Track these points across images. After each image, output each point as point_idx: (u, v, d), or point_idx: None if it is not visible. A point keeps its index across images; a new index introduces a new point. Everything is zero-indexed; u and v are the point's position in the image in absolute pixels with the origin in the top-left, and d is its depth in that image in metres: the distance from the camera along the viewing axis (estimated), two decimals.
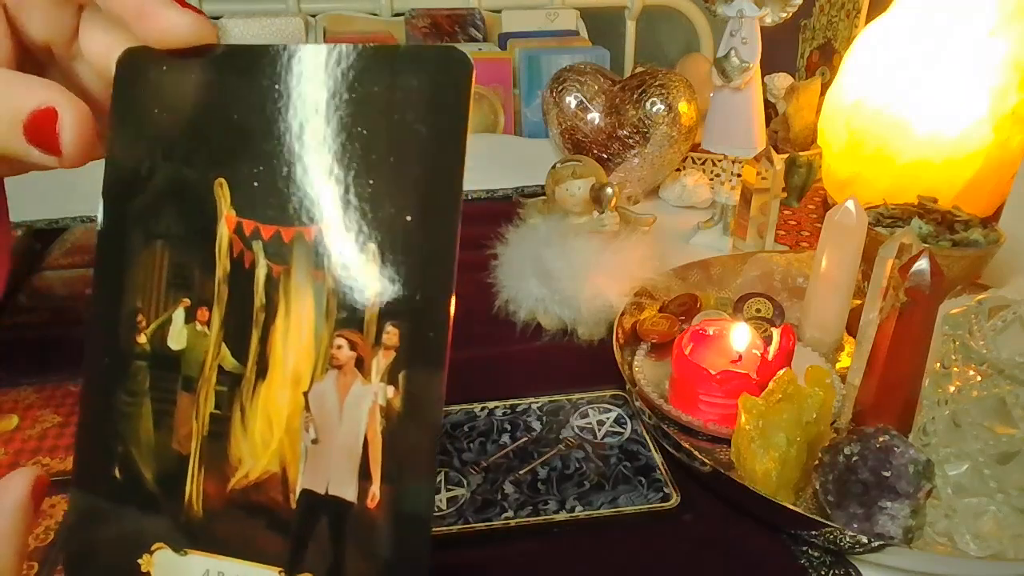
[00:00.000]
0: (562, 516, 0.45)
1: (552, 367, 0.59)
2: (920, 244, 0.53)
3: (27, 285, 0.69)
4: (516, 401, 0.54)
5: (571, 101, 0.88)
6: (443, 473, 0.48)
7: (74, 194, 0.86)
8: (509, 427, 0.52)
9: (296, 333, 0.24)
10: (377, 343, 0.23)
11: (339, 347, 0.24)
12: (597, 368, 0.58)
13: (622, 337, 0.58)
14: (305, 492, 0.24)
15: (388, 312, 0.23)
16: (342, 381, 0.24)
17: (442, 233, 0.23)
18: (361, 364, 0.24)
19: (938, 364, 0.45)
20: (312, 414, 0.24)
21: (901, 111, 0.72)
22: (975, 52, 0.69)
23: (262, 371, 0.25)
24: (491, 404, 0.54)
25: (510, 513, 0.45)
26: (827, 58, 1.16)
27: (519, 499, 0.46)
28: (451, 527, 0.44)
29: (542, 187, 0.74)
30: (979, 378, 0.43)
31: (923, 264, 0.45)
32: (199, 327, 0.25)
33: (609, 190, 0.67)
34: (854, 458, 0.42)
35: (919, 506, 0.41)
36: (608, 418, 0.53)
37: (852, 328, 0.59)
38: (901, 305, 0.46)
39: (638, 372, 0.56)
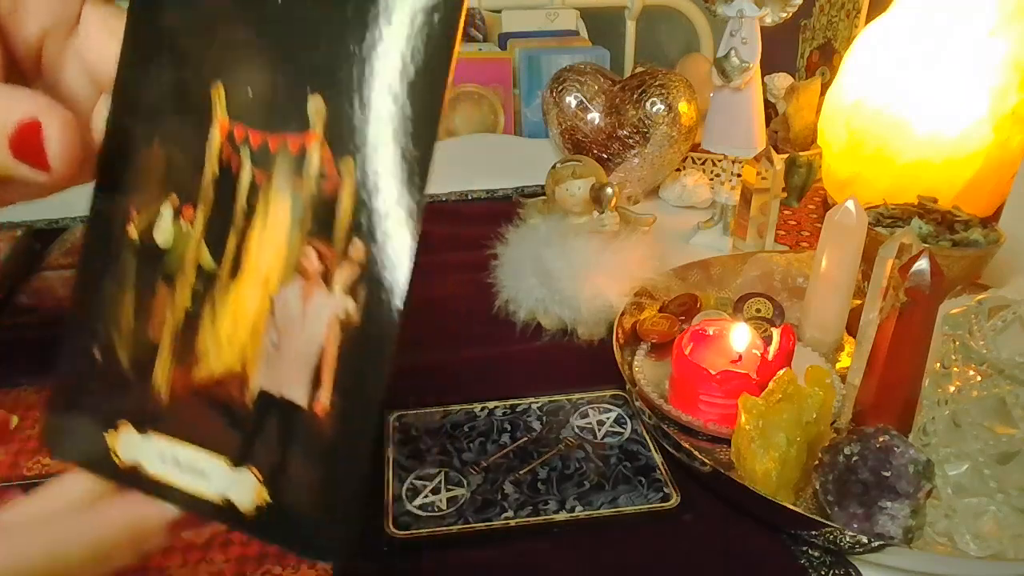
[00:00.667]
0: (562, 516, 0.45)
1: (552, 367, 0.59)
2: (920, 244, 0.53)
3: (27, 285, 0.69)
4: (516, 401, 0.54)
5: (571, 101, 0.88)
6: (443, 473, 0.48)
7: (74, 194, 0.86)
8: (509, 427, 0.52)
9: (271, 239, 0.25)
10: (344, 255, 0.24)
11: (308, 256, 0.25)
12: (597, 368, 0.58)
13: (622, 337, 0.58)
14: (262, 392, 0.25)
15: (357, 225, 0.24)
16: (307, 289, 0.25)
17: (421, 148, 0.24)
18: (327, 276, 0.24)
19: (938, 364, 0.45)
20: (276, 318, 0.25)
21: (901, 111, 0.72)
22: (975, 52, 0.69)
23: (235, 273, 0.25)
24: (491, 404, 0.54)
25: (510, 513, 0.45)
26: (827, 58, 1.16)
27: (519, 499, 0.46)
28: (451, 527, 0.44)
29: (542, 187, 0.74)
30: (979, 378, 0.43)
31: (923, 264, 0.45)
32: (184, 225, 0.26)
33: (609, 190, 0.67)
34: (854, 458, 0.42)
35: (919, 506, 0.41)
36: (608, 418, 0.53)
37: (852, 328, 0.59)
38: (901, 305, 0.46)
39: (638, 372, 0.56)
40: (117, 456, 0.26)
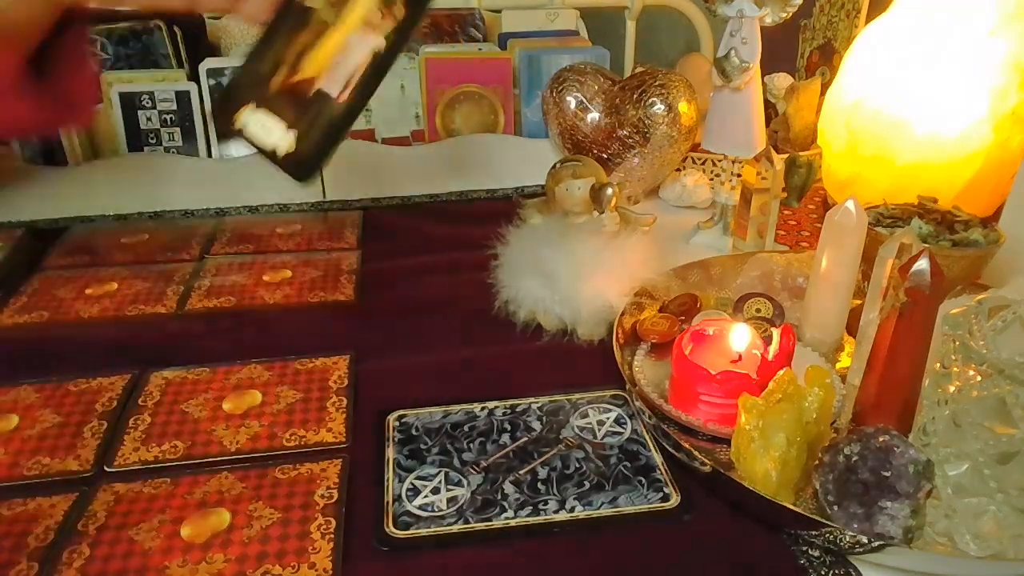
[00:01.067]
0: (562, 516, 0.45)
1: (552, 367, 0.59)
2: (920, 244, 0.53)
3: (27, 285, 0.69)
4: (516, 401, 0.54)
5: (571, 101, 0.88)
6: (443, 473, 0.48)
7: (74, 194, 0.86)
8: (509, 427, 0.52)
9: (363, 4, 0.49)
10: (390, 13, 0.49)
11: (376, 13, 0.49)
12: (597, 368, 0.58)
13: (622, 337, 0.58)
14: (318, 90, 0.50)
15: None
16: (367, 33, 0.49)
17: None
18: (380, 26, 0.49)
19: (938, 364, 0.45)
20: (345, 48, 0.49)
21: (901, 111, 0.72)
22: (975, 52, 0.69)
23: (337, 23, 0.49)
24: (491, 404, 0.54)
25: (510, 513, 0.45)
26: (827, 58, 1.16)
27: (519, 499, 0.46)
28: (451, 527, 0.44)
29: (542, 187, 0.74)
30: (979, 378, 0.43)
31: (923, 264, 0.45)
32: None
33: (609, 190, 0.67)
34: (854, 458, 0.42)
35: (919, 506, 0.41)
36: (608, 418, 0.53)
37: (852, 328, 0.59)
38: (901, 305, 0.46)
39: (638, 372, 0.56)
40: (236, 120, 0.50)
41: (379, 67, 0.49)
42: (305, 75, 0.49)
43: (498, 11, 1.19)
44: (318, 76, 0.49)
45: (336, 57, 0.48)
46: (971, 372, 0.43)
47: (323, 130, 0.50)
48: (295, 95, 0.49)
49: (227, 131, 0.50)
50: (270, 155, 0.50)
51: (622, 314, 0.59)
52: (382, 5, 0.48)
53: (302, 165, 0.50)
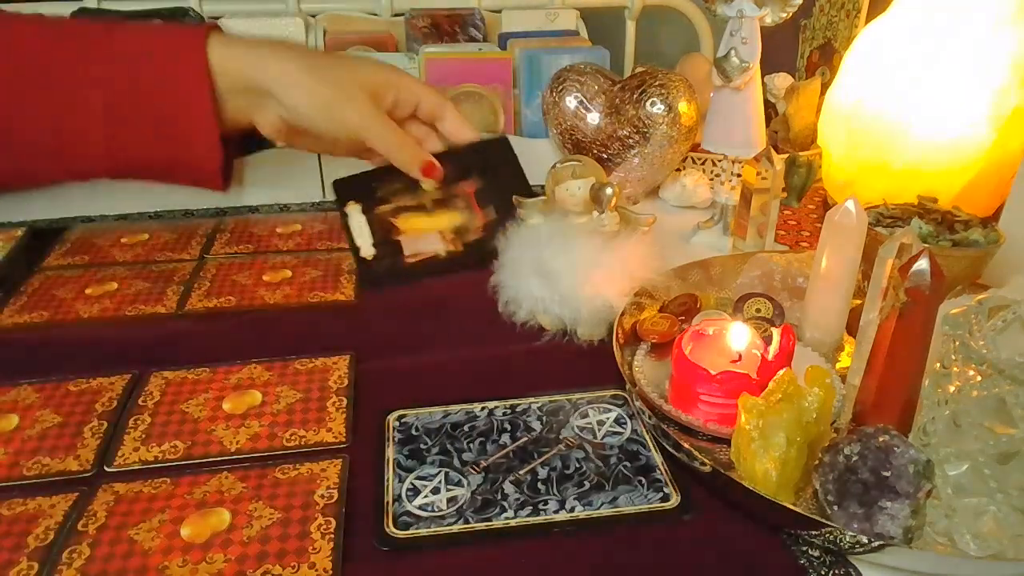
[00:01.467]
0: (562, 516, 0.45)
1: (552, 367, 0.59)
2: (920, 244, 0.53)
3: (27, 285, 0.69)
4: (516, 401, 0.54)
5: (571, 101, 0.88)
6: (443, 473, 0.48)
7: (74, 194, 0.86)
8: (509, 427, 0.52)
9: (449, 217, 0.67)
10: (454, 240, 0.66)
11: (446, 229, 0.67)
12: (597, 368, 0.58)
13: (622, 337, 0.58)
14: (399, 241, 0.66)
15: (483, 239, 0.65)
16: (439, 241, 0.67)
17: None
18: (445, 234, 0.67)
19: (938, 364, 0.45)
20: (427, 234, 0.67)
21: (901, 111, 0.72)
22: (975, 52, 0.69)
23: (433, 214, 0.66)
24: (491, 404, 0.54)
25: (510, 513, 0.45)
26: (827, 58, 1.16)
27: (519, 499, 0.46)
28: (451, 527, 0.44)
29: (542, 187, 0.74)
30: (979, 378, 0.43)
31: (923, 264, 0.45)
32: (432, 186, 0.67)
33: (609, 190, 0.67)
34: (854, 458, 0.42)
35: (919, 506, 0.41)
36: (608, 418, 0.53)
37: (852, 328, 0.59)
38: (901, 305, 0.46)
39: (638, 372, 0.56)
40: (348, 204, 0.66)
41: (431, 267, 0.62)
42: (397, 225, 0.64)
43: (498, 11, 1.19)
44: (402, 234, 0.64)
45: (419, 233, 0.63)
46: (971, 372, 0.43)
47: (389, 264, 0.63)
48: (387, 228, 0.64)
49: (339, 204, 0.65)
50: (352, 247, 0.63)
51: (622, 314, 0.59)
52: (455, 233, 0.64)
53: (369, 275, 0.64)
